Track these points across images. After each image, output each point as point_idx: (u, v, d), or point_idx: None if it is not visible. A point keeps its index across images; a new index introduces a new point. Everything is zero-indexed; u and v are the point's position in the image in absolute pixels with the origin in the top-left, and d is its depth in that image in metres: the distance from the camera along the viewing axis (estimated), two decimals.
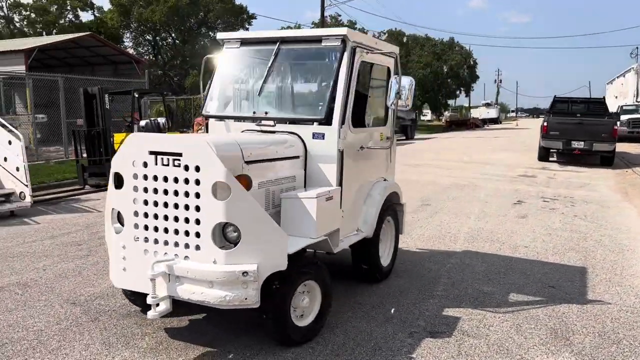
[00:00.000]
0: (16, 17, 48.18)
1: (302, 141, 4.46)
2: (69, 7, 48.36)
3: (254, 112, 4.65)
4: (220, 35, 4.98)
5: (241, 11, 60.51)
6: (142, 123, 14.37)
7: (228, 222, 3.41)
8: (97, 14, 50.73)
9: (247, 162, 3.77)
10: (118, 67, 28.26)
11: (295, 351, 3.77)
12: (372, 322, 4.32)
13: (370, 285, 5.18)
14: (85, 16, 50.52)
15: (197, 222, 3.46)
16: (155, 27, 53.09)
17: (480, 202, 10.00)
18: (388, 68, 5.35)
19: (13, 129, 9.03)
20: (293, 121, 4.52)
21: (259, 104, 4.68)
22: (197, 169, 3.40)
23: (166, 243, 3.59)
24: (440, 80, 51.60)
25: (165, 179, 3.52)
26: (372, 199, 5.01)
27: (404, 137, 33.75)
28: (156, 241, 3.63)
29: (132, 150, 3.64)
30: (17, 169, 8.74)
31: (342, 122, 4.41)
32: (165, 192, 3.54)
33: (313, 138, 4.46)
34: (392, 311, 4.48)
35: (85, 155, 12.42)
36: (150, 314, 3.52)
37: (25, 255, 6.17)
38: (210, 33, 62.54)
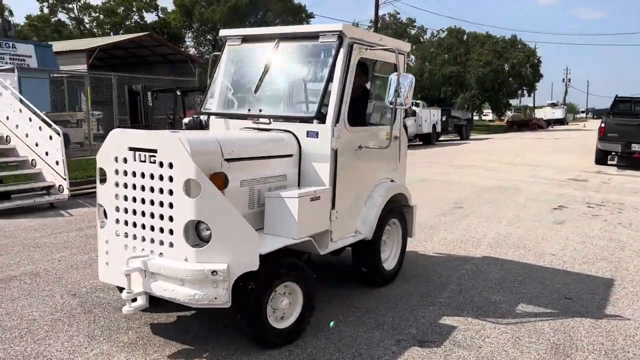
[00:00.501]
0: (86, 19, 50.58)
1: (297, 139, 4.37)
2: (134, 9, 50.27)
3: (249, 110, 4.61)
4: (222, 32, 4.97)
5: (299, 10, 60.99)
6: (186, 120, 14.63)
7: (198, 220, 3.38)
8: (160, 15, 52.45)
9: (228, 160, 3.72)
10: (175, 65, 29.13)
11: (272, 353, 3.69)
12: (360, 327, 4.18)
13: (372, 289, 5.03)
14: (150, 17, 52.33)
15: (171, 219, 3.45)
16: (216, 26, 54.30)
17: (518, 206, 9.56)
18: (395, 65, 5.16)
19: (54, 125, 9.42)
20: (287, 119, 4.45)
21: (255, 101, 4.63)
22: (171, 165, 3.39)
23: (143, 239, 3.61)
24: (501, 79, 49.97)
25: (143, 175, 3.54)
26: (372, 201, 4.86)
27: (459, 137, 32.95)
28: (135, 237, 3.66)
29: (114, 146, 3.68)
30: (57, 163, 9.12)
31: (337, 120, 4.29)
32: (143, 188, 3.55)
33: (307, 136, 4.36)
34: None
35: None
36: (125, 309, 3.55)
37: (47, 246, 6.41)
38: None
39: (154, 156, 3.45)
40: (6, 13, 48.95)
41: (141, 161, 3.53)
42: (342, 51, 4.34)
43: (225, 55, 4.95)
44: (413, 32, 68.55)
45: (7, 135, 9.90)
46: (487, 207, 9.47)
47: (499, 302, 4.86)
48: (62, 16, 50.27)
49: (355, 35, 4.45)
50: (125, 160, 3.61)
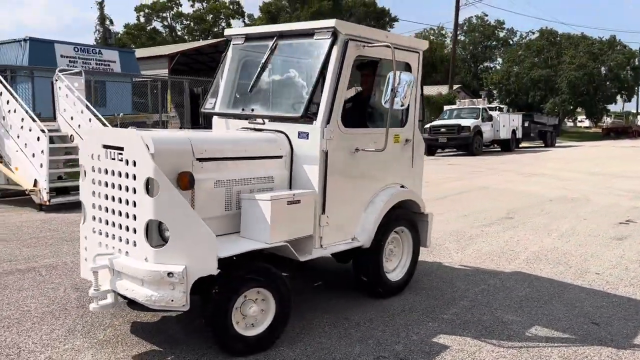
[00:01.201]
0: (178, 26, 53.25)
1: (289, 140, 4.22)
2: (222, 16, 52.26)
3: (242, 110, 4.51)
4: (227, 32, 4.93)
5: (383, 14, 60.57)
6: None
7: (157, 219, 3.32)
8: (247, 21, 54.10)
9: (200, 160, 3.63)
10: None
11: None
12: (343, 340, 3.94)
13: (375, 300, 4.76)
14: (237, 24, 54.09)
15: (135, 217, 3.42)
16: None
17: (577, 219, 8.79)
18: (407, 64, 4.87)
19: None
20: (274, 119, 4.31)
21: (250, 100, 4.53)
22: (135, 163, 3.36)
23: (113, 237, 3.60)
24: (597, 83, 46.83)
25: (113, 173, 3.53)
26: (374, 206, 4.59)
27: (543, 145, 31.21)
28: (107, 234, 3.66)
29: (91, 143, 3.71)
30: None
31: (328, 121, 4.09)
32: (113, 185, 3.55)
33: (298, 137, 4.20)
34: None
35: None
36: (92, 306, 3.55)
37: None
38: None
39: (122, 154, 3.44)
40: (107, 22, 52.68)
41: (112, 158, 3.53)
42: (335, 48, 4.13)
43: (230, 54, 4.90)
44: (502, 34, 65.96)
45: (71, 135, 10.53)
46: (541, 218, 8.78)
47: (510, 322, 4.42)
48: (156, 24, 53.22)
49: (352, 31, 4.23)
50: (99, 158, 3.63)
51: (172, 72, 24.89)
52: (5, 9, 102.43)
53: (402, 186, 4.97)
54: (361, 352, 3.77)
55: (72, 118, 10.45)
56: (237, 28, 4.86)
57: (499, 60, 62.00)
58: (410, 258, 5.06)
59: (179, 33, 52.90)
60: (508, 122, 26.15)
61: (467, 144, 22.68)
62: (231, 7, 55.03)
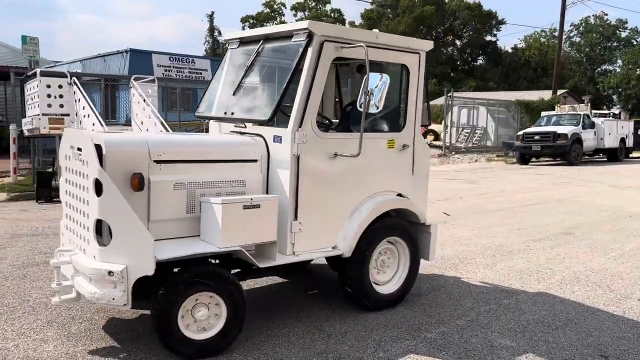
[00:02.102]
0: None
1: (267, 144, 4.17)
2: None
3: (225, 113, 4.51)
4: (225, 36, 4.97)
5: (489, 17, 58.37)
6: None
7: (102, 219, 3.41)
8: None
9: (157, 162, 3.68)
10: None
11: None
12: (302, 352, 3.79)
13: (360, 312, 4.54)
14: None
15: (88, 216, 3.54)
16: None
17: None
18: (404, 66, 4.62)
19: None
20: (252, 122, 4.27)
21: (233, 103, 4.52)
22: (87, 164, 3.48)
23: (77, 235, 3.76)
24: None
25: (76, 173, 3.69)
26: (358, 214, 4.39)
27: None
28: (72, 231, 3.83)
29: (65, 144, 3.90)
30: None
31: (300, 124, 3.98)
32: (76, 185, 3.71)
33: (274, 141, 4.13)
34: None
35: None
36: (54, 300, 3.72)
37: None
38: (457, 41, 61.72)
39: (81, 154, 3.58)
40: (215, 33, 55.63)
41: (75, 159, 3.69)
42: (310, 50, 4.02)
43: (226, 58, 4.93)
44: (624, 34, 60.93)
45: None
46: (606, 235, 7.91)
47: (501, 347, 4.01)
48: None
49: (329, 32, 4.08)
50: (69, 158, 3.81)
51: None
52: (138, 25, 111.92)
53: (400, 194, 4.71)
54: None
55: (142, 122, 11.11)
56: (233, 32, 4.88)
57: (619, 62, 57.18)
58: (406, 271, 4.78)
59: None
60: (615, 130, 23.94)
61: (564, 152, 21.03)
62: (332, 15, 55.78)
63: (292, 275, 5.40)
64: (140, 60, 20.43)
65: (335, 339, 4.04)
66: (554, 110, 25.72)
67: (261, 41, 4.48)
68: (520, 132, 22.39)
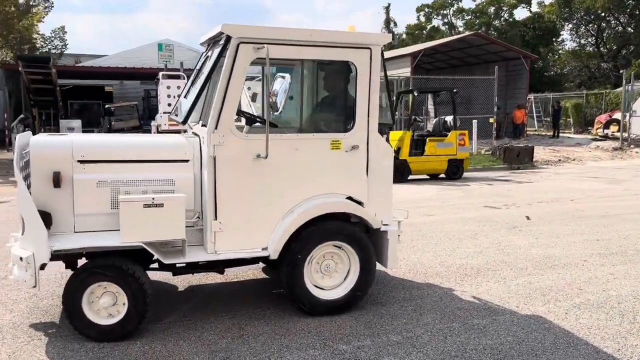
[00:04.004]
0: (459, 22, 52.88)
1: (200, 145, 4.33)
2: (505, 7, 49.70)
3: (176, 115, 4.75)
4: (201, 39, 5.18)
5: None
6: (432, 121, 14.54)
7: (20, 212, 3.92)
8: (535, 10, 50.12)
9: (81, 162, 4.08)
10: (509, 63, 28.02)
11: (82, 345, 3.89)
12: (198, 348, 3.89)
13: (299, 315, 4.45)
14: (521, 13, 50.81)
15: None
16: (600, 15, 48.72)
17: None
18: (349, 64, 4.37)
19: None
20: (178, 124, 4.45)
21: (184, 106, 4.73)
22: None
23: None
24: None
25: None
26: (290, 216, 4.30)
27: None
28: None
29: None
30: None
31: (216, 126, 4.07)
32: None
33: (203, 142, 4.28)
34: None
35: None
36: (11, 277, 4.36)
37: None
38: None
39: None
40: (391, 25, 55.81)
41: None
42: (227, 52, 4.07)
43: (200, 61, 5.16)
44: None
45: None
46: None
47: None
48: (436, 22, 53.95)
49: (246, 34, 4.06)
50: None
51: (416, 71, 25.24)
52: (334, 22, 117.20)
53: (350, 197, 4.49)
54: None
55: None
56: (207, 34, 5.06)
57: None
58: (356, 277, 4.53)
59: (460, 29, 52.41)
60: None
61: None
62: None
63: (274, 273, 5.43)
64: None
65: (243, 339, 4.06)
66: None
67: (210, 45, 4.63)
68: None
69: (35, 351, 3.85)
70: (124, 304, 3.97)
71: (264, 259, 4.44)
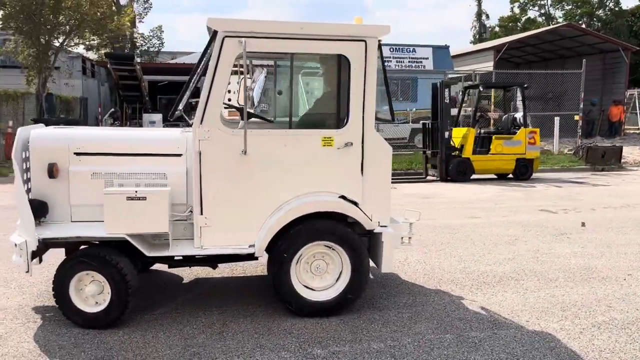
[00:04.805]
0: (558, 13, 49.72)
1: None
2: None
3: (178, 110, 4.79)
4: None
5: None
6: (495, 116, 13.78)
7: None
8: None
9: (77, 154, 4.24)
10: (606, 56, 26.02)
11: (68, 330, 4.04)
12: (180, 341, 3.92)
13: (287, 315, 4.36)
14: (628, 1, 46.81)
15: None
16: None
17: None
18: (342, 57, 4.20)
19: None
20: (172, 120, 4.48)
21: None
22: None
23: None
24: None
25: None
26: (278, 214, 4.21)
27: None
28: None
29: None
30: None
31: (201, 121, 4.07)
32: None
33: (193, 137, 4.30)
34: None
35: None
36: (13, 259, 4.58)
37: None
38: None
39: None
40: (483, 17, 53.65)
41: None
42: (213, 47, 4.06)
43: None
44: None
45: None
46: None
47: None
48: (532, 13, 51.11)
49: (232, 28, 4.01)
50: None
51: (499, 66, 24.07)
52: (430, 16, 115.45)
53: (343, 196, 4.32)
54: (171, 353, 3.73)
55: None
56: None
57: None
58: (348, 279, 4.36)
59: (559, 20, 49.27)
60: None
61: None
62: None
63: None
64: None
65: (221, 335, 4.03)
66: None
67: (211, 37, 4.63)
68: None
69: (26, 333, 4.06)
70: (108, 293, 4.09)
71: (253, 256, 4.38)
